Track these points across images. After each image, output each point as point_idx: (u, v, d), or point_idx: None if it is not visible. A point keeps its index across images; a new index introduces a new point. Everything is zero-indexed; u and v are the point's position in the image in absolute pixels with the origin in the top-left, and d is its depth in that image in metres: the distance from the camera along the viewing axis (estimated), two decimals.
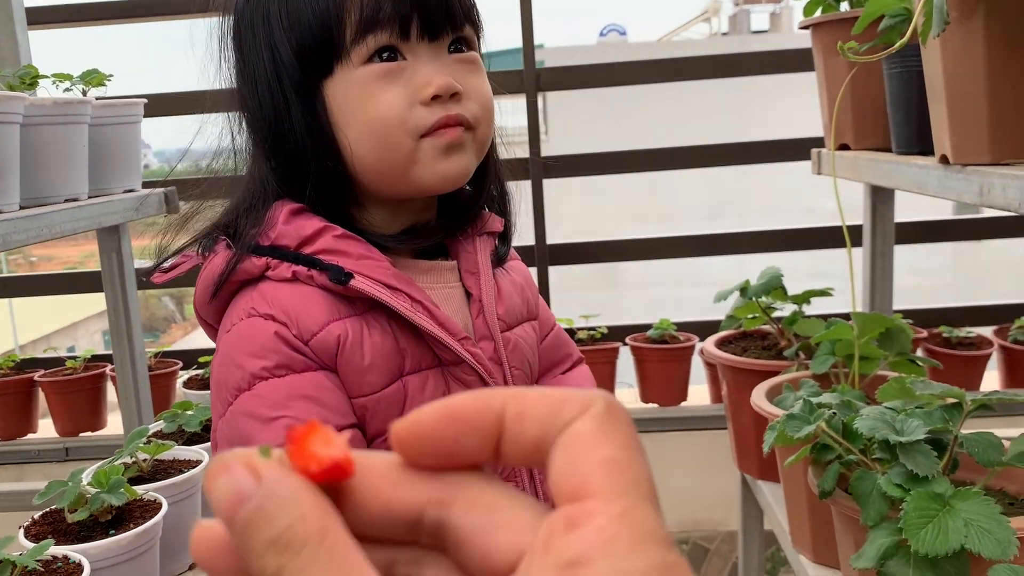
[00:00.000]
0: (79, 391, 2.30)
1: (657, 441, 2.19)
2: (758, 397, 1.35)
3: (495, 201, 0.95)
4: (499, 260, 0.93)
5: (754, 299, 1.58)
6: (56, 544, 1.14)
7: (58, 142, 1.35)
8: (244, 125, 0.87)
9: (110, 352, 2.31)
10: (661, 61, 2.23)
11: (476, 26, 0.84)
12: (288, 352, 0.77)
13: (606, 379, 2.20)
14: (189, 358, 2.40)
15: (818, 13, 1.56)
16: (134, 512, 1.23)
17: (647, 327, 2.28)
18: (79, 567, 1.07)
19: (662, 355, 2.19)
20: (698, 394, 2.28)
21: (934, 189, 1.14)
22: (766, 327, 1.69)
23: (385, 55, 0.79)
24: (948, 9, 0.94)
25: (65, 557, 1.10)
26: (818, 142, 2.25)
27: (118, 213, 1.47)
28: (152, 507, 1.24)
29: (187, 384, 2.30)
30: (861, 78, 1.49)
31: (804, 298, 1.61)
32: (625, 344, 2.25)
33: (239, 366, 0.77)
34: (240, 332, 0.79)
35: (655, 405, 2.23)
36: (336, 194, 0.83)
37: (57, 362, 2.40)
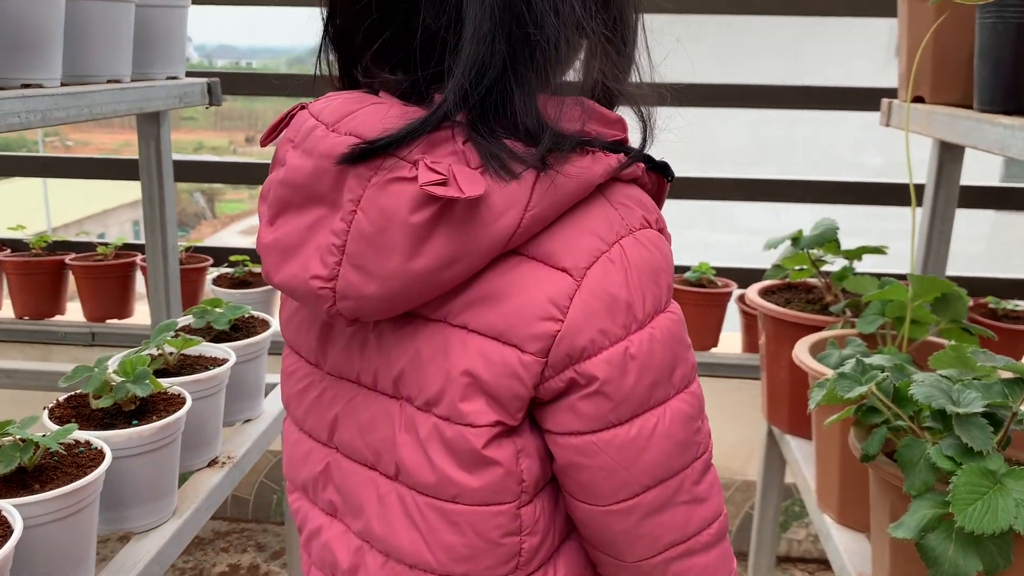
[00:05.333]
0: (109, 277, 2.30)
1: None
2: (801, 351, 1.30)
3: None
4: None
5: (805, 251, 1.52)
6: (80, 428, 1.13)
7: (104, 19, 1.30)
8: None
9: (141, 242, 2.30)
10: None
11: None
12: None
13: None
14: (220, 255, 2.39)
15: None
16: (157, 404, 1.22)
17: (684, 268, 2.23)
18: (101, 454, 1.07)
19: (698, 299, 2.14)
20: (729, 341, 2.24)
21: (1019, 150, 1.08)
22: (812, 280, 1.64)
23: None
24: None
25: (87, 443, 1.09)
26: (881, 93, 2.16)
27: (160, 100, 1.43)
28: (176, 401, 1.23)
29: (216, 281, 2.28)
30: (948, 27, 1.40)
31: (856, 254, 1.55)
32: None
33: (656, 281, 0.68)
34: (646, 243, 0.69)
35: None
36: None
37: (88, 247, 2.40)
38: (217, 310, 1.50)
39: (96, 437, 1.10)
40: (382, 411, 0.73)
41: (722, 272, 2.24)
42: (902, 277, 2.08)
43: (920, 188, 2.12)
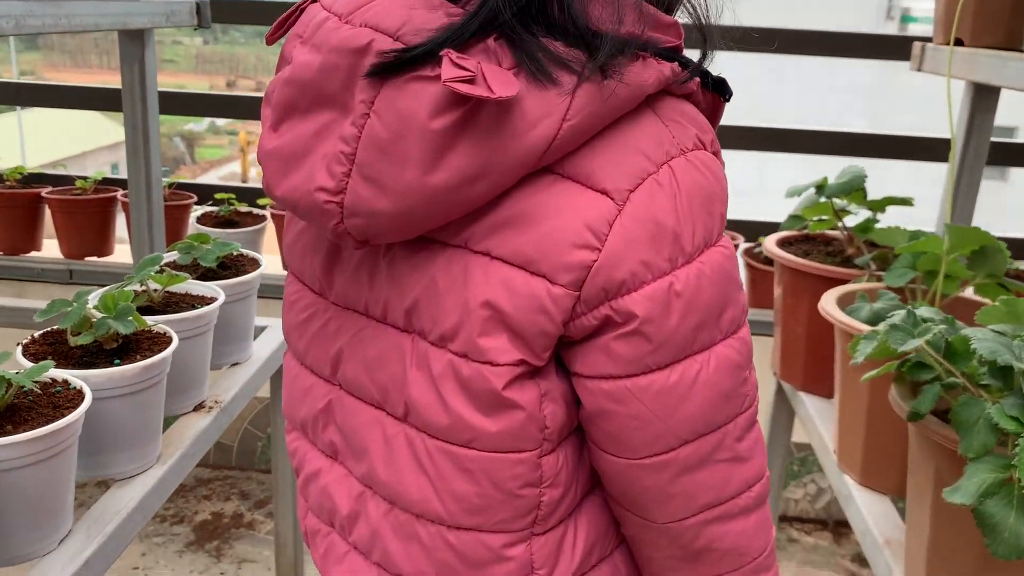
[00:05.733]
0: (88, 212, 2.19)
1: None
2: (828, 304, 1.23)
3: None
4: None
5: (830, 200, 1.44)
6: (56, 367, 1.05)
7: None
8: None
9: (123, 177, 2.19)
10: None
11: None
12: None
13: None
14: (204, 193, 2.28)
15: None
16: (141, 343, 1.13)
17: None
18: (80, 394, 0.98)
19: None
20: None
21: None
22: (832, 232, 1.56)
23: None
24: None
25: (65, 381, 1.00)
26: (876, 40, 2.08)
27: (145, 16, 1.31)
28: (161, 340, 1.14)
29: (201, 220, 2.18)
30: None
31: (881, 205, 1.48)
32: None
33: (709, 210, 0.61)
34: (699, 166, 0.61)
35: None
36: None
37: (66, 180, 2.28)
38: (205, 246, 1.40)
39: (74, 376, 1.01)
40: (392, 345, 0.65)
41: (730, 225, 2.16)
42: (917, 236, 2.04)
43: (929, 142, 2.04)
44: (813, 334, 1.43)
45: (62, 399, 0.97)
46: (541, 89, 0.56)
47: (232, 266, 1.45)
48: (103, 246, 2.22)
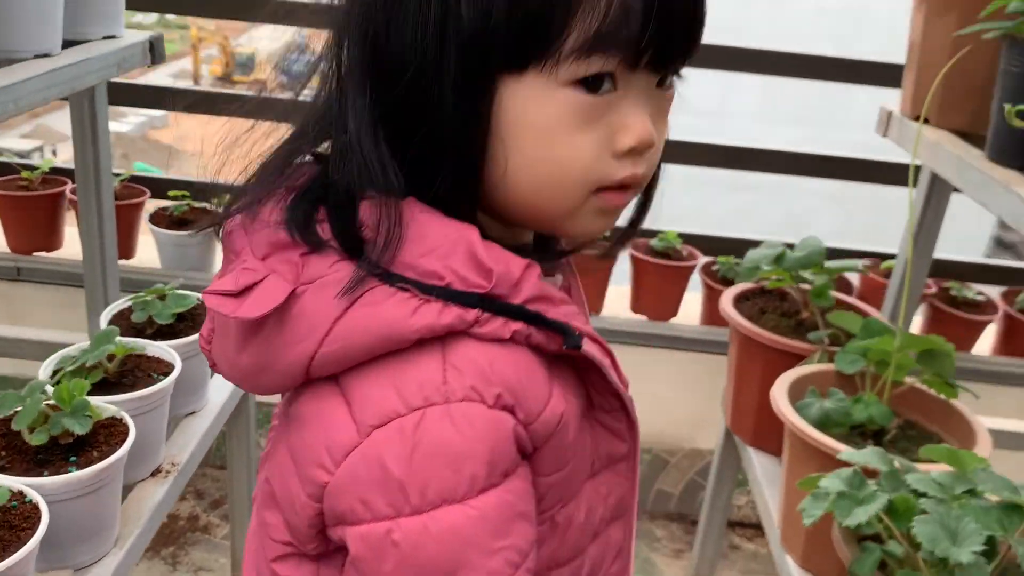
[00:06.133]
0: (35, 207, 2.13)
1: (640, 354, 2.13)
2: (780, 396, 1.26)
3: None
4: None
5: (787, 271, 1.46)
6: (11, 467, 1.04)
7: None
8: (353, 73, 0.61)
9: (70, 166, 2.11)
10: None
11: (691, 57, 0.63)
12: (514, 453, 0.58)
13: (599, 284, 2.10)
14: (158, 187, 2.22)
15: None
16: (98, 433, 1.12)
17: (652, 233, 2.16)
18: (36, 510, 0.98)
19: (662, 271, 2.08)
20: (688, 307, 2.21)
21: None
22: (789, 288, 1.58)
23: (599, 84, 0.57)
24: None
25: (21, 494, 1.00)
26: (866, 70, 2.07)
27: (96, 72, 1.25)
28: (118, 429, 1.14)
29: (154, 218, 2.13)
30: (966, 46, 1.31)
31: (834, 273, 1.50)
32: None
33: (455, 469, 0.55)
34: (440, 428, 0.56)
35: (644, 317, 2.15)
36: (466, 197, 0.61)
37: (8, 169, 2.19)
38: (160, 301, 1.38)
39: (29, 487, 1.01)
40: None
41: (688, 239, 2.18)
42: (886, 256, 2.07)
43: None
44: (764, 398, 1.46)
45: (18, 516, 0.97)
46: (316, 308, 0.57)
47: (188, 316, 1.43)
48: (51, 241, 2.17)
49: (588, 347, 0.60)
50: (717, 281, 2.08)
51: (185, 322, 1.42)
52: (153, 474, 1.30)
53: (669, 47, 0.58)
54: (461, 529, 0.55)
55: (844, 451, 1.09)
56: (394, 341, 0.56)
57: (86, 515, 1.07)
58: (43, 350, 1.49)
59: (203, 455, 1.42)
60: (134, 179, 2.22)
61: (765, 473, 1.47)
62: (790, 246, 1.53)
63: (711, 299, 2.11)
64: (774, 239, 1.61)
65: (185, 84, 25.84)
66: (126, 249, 2.14)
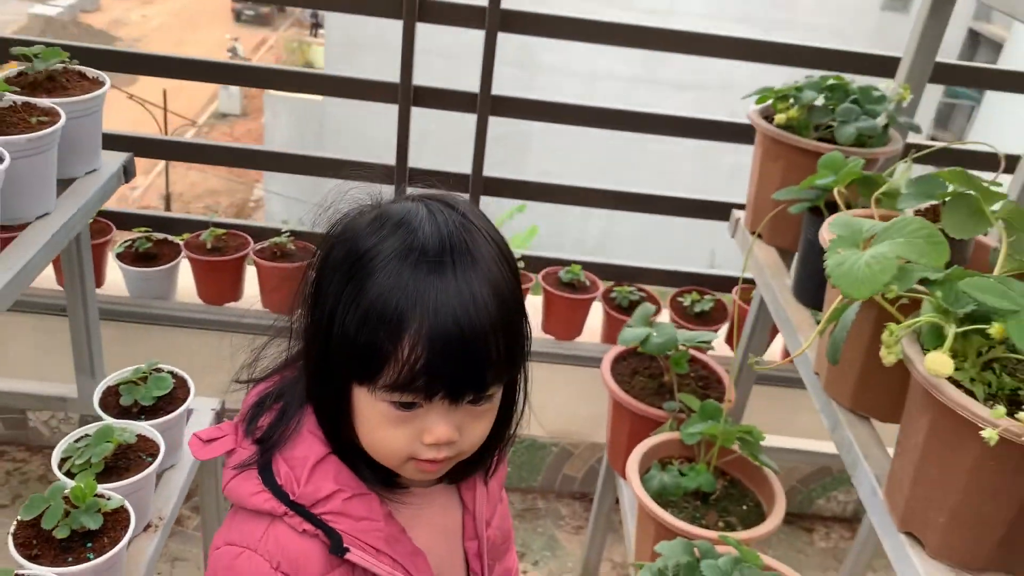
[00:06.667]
0: None
1: (549, 370, 2.50)
2: (632, 469, 1.65)
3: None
4: (489, 472, 1.07)
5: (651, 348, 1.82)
6: (40, 554, 1.39)
7: (34, 173, 1.39)
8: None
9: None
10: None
11: (512, 373, 0.92)
12: None
13: None
14: (123, 220, 2.48)
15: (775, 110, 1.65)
16: (107, 522, 1.46)
17: (562, 263, 2.50)
18: None
19: (568, 302, 2.43)
20: (594, 319, 2.57)
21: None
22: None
23: (408, 406, 0.86)
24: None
25: None
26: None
27: (81, 218, 1.53)
28: (121, 517, 1.48)
29: (121, 256, 2.40)
30: (789, 179, 1.64)
31: (686, 353, 1.87)
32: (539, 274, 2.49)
33: None
34: (243, 563, 0.91)
35: (552, 337, 2.51)
36: (334, 439, 0.94)
37: None
38: (141, 386, 1.70)
39: (60, 574, 1.35)
40: None
41: (589, 267, 2.52)
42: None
43: None
44: (630, 447, 1.85)
45: None
46: None
47: (167, 396, 1.75)
48: None
49: (359, 557, 0.91)
50: (614, 308, 2.45)
51: (163, 400, 1.74)
52: (146, 529, 1.65)
53: (459, 391, 0.86)
54: None
55: (677, 524, 1.49)
56: (245, 505, 0.93)
57: None
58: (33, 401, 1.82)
59: (183, 501, 1.77)
60: (101, 213, 2.47)
61: (630, 505, 1.87)
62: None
63: (610, 323, 2.48)
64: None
65: None
66: (97, 280, 2.42)
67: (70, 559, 1.40)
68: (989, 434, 0.82)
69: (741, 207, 1.88)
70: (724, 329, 2.49)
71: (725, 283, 2.57)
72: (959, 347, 0.99)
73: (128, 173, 1.71)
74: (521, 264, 2.47)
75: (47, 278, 2.44)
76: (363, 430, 0.91)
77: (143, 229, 2.45)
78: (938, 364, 0.90)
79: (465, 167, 2.39)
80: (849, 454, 1.22)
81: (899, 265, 0.97)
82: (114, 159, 1.70)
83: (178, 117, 14.05)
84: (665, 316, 2.49)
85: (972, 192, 1.15)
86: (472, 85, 2.31)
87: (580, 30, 2.28)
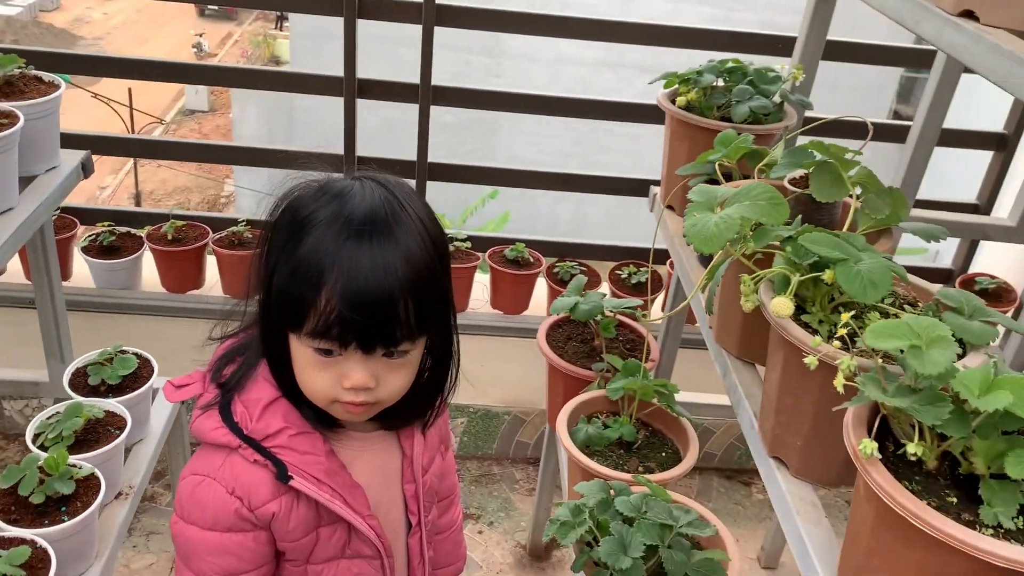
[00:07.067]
0: None
1: (499, 343, 2.65)
2: (561, 424, 1.80)
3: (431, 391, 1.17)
4: (427, 423, 1.22)
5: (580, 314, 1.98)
6: (18, 521, 1.52)
7: None
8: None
9: None
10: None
11: (424, 334, 1.03)
12: (237, 520, 1.08)
13: (464, 290, 2.60)
14: (87, 216, 2.60)
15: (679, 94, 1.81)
16: (77, 488, 1.60)
17: (507, 242, 2.66)
18: (45, 553, 1.47)
19: (513, 278, 2.59)
20: (539, 293, 2.73)
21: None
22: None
23: (328, 352, 1.01)
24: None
25: (33, 542, 1.49)
26: None
27: (44, 213, 1.67)
28: (92, 484, 1.62)
29: (86, 250, 2.53)
30: (695, 155, 1.80)
31: (613, 319, 2.03)
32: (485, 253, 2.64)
33: (201, 509, 1.07)
34: (204, 489, 1.07)
35: (500, 312, 2.67)
36: (282, 382, 1.10)
37: None
38: (108, 366, 1.84)
39: (38, 535, 1.49)
40: None
41: (533, 245, 2.68)
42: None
43: None
44: (567, 397, 2.00)
45: (33, 559, 1.46)
46: None
47: (132, 375, 1.89)
48: None
49: (301, 484, 1.07)
50: (557, 282, 2.61)
51: (128, 379, 1.88)
52: (117, 497, 1.79)
53: (369, 342, 0.98)
54: (192, 539, 1.09)
55: (596, 468, 1.65)
56: (206, 440, 1.09)
57: (77, 545, 1.57)
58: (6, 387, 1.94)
59: (151, 472, 1.91)
60: (65, 210, 2.60)
61: (565, 459, 2.03)
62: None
63: (554, 296, 2.64)
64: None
65: None
66: (64, 273, 2.54)
67: (46, 522, 1.54)
68: (810, 360, 0.98)
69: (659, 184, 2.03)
70: (660, 298, 2.65)
71: (662, 256, 2.74)
72: (810, 294, 1.16)
73: (87, 169, 1.83)
74: (468, 244, 2.62)
75: (15, 273, 2.57)
76: (298, 374, 1.05)
77: (106, 224, 2.57)
78: (780, 306, 1.06)
79: (433, 156, 2.53)
80: (734, 395, 1.38)
81: (750, 225, 1.13)
82: (73, 156, 1.83)
83: (145, 115, 14.05)
84: (605, 288, 2.65)
85: (832, 160, 1.31)
86: (440, 74, 2.43)
87: (513, 22, 2.43)
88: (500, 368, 2.70)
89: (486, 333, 2.61)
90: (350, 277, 0.96)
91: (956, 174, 2.69)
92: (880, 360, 0.95)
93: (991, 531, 0.84)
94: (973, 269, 2.88)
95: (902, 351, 0.88)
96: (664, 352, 2.11)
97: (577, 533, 1.44)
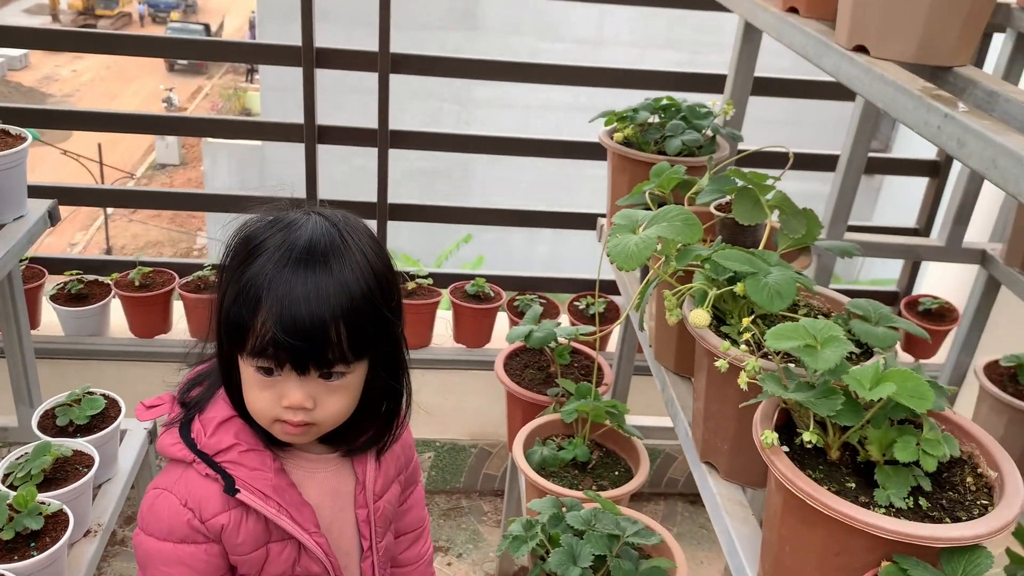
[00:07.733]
0: None
1: (463, 375, 2.73)
2: (517, 447, 1.88)
3: (382, 418, 1.23)
4: (381, 450, 1.28)
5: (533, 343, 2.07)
6: None
7: None
8: None
9: None
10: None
11: (362, 359, 1.10)
12: (189, 532, 1.14)
13: (427, 326, 2.68)
14: (55, 265, 2.66)
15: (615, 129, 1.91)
16: (46, 524, 1.65)
17: (468, 277, 2.74)
18: None
19: (474, 312, 2.67)
20: (501, 326, 2.80)
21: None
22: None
23: (268, 372, 1.08)
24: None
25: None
26: None
27: (11, 260, 1.74)
28: (61, 519, 1.67)
29: (54, 298, 2.58)
30: (634, 187, 1.90)
31: (567, 346, 2.11)
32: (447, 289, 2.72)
33: (156, 520, 1.13)
34: (161, 501, 1.13)
35: (463, 346, 2.74)
36: (235, 403, 1.17)
37: None
38: (76, 407, 1.89)
39: (9, 570, 1.54)
40: None
41: (493, 280, 2.76)
42: None
43: None
44: (524, 421, 2.08)
45: None
46: None
47: (99, 416, 1.94)
48: None
49: (248, 498, 1.13)
50: (517, 315, 2.69)
51: (96, 419, 1.93)
52: (85, 535, 1.83)
53: (302, 364, 1.05)
54: (149, 549, 1.14)
55: (550, 487, 1.72)
56: (166, 455, 1.16)
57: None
58: None
59: (120, 512, 1.96)
60: (34, 260, 2.65)
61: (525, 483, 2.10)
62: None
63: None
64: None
65: (42, 21, 24.75)
66: (32, 321, 2.59)
67: (16, 557, 1.58)
68: (721, 363, 1.07)
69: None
70: (619, 328, 2.74)
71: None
72: (729, 307, 1.25)
73: (53, 217, 1.91)
74: (430, 280, 2.70)
75: None
76: (244, 393, 1.12)
77: (74, 272, 2.63)
78: (697, 317, 1.15)
79: (406, 198, 2.63)
80: (671, 407, 1.46)
81: (675, 246, 1.23)
82: (40, 205, 1.90)
83: (115, 170, 14.09)
84: (565, 319, 2.74)
85: (751, 186, 1.42)
86: (412, 122, 2.53)
87: (469, 69, 2.55)
88: (465, 401, 2.77)
89: (449, 367, 2.69)
90: (284, 303, 1.03)
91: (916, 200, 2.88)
92: (782, 361, 1.04)
93: (883, 510, 0.93)
94: (920, 291, 3.00)
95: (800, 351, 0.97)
96: (619, 376, 2.19)
97: (529, 546, 1.51)
